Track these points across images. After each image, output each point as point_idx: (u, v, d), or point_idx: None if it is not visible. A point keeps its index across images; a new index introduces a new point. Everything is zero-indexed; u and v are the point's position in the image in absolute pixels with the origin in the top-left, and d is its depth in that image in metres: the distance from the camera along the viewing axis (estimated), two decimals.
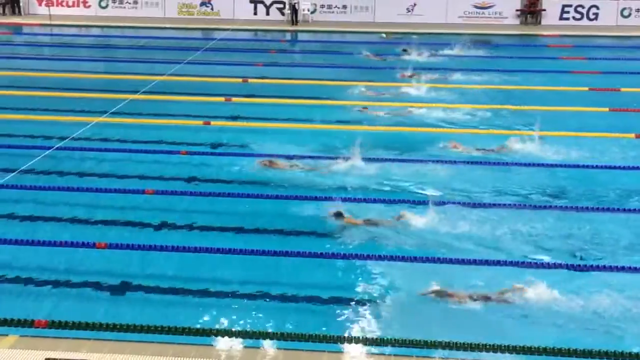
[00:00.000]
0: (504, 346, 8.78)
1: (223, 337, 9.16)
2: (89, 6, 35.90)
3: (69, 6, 35.96)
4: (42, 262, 11.42)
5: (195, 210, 13.48)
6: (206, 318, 9.83)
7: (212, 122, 18.86)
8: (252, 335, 9.17)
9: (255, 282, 10.84)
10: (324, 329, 9.38)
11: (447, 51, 28.61)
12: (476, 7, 35.85)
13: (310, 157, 15.78)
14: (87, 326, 9.31)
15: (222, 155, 16.47)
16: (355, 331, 9.44)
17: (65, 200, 13.77)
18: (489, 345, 8.75)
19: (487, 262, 11.22)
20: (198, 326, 9.45)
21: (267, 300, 10.39)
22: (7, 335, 9.05)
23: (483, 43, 31.05)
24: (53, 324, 9.34)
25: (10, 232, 12.27)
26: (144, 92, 17.69)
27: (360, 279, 10.82)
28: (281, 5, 35.56)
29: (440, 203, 13.04)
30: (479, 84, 23.28)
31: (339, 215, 12.51)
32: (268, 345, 8.93)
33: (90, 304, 10.31)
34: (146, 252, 11.70)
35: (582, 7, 35.57)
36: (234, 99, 21.18)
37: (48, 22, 33.78)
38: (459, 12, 35.77)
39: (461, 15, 35.77)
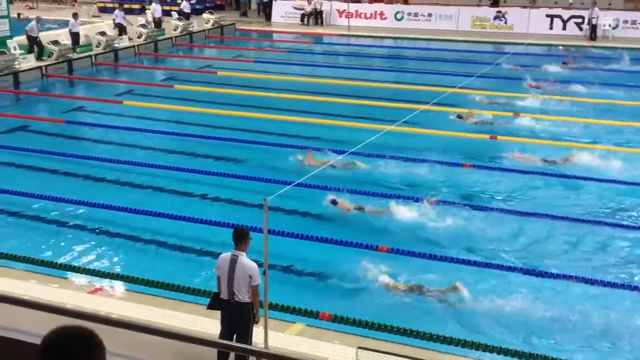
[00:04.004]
0: None
1: (491, 352, 9.04)
2: (385, 18, 37.28)
3: (366, 18, 37.64)
4: (327, 259, 12.10)
5: (476, 225, 13.43)
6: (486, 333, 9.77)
7: (498, 137, 18.63)
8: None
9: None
10: None
11: None
12: None
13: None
14: (366, 325, 9.75)
15: (502, 170, 16.23)
16: None
17: (355, 202, 14.42)
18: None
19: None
20: (473, 339, 9.40)
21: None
22: (294, 322, 9.75)
23: None
24: (335, 318, 9.91)
25: (290, 228, 13.11)
26: (435, 104, 17.93)
27: None
28: (579, 20, 34.01)
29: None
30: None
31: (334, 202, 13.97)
32: None
33: (368, 305, 10.73)
34: (427, 261, 11.92)
35: None
36: (522, 114, 20.72)
37: (346, 32, 35.69)
38: None
39: None
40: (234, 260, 8.11)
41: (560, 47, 31.20)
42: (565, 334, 10.00)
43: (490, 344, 9.37)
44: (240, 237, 8.24)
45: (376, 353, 7.31)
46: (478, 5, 37.76)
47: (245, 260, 8.12)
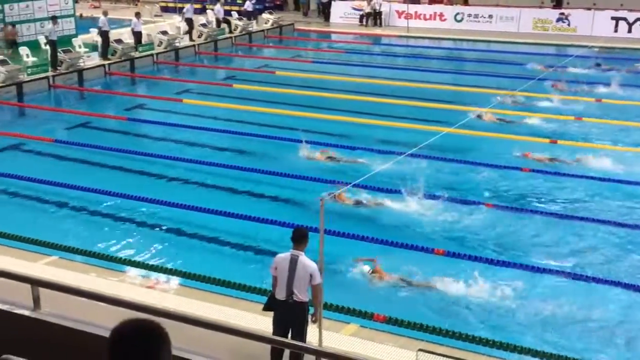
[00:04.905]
0: None
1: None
2: (445, 19, 36.93)
3: (425, 19, 37.35)
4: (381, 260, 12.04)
5: (535, 230, 13.22)
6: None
7: (559, 141, 18.28)
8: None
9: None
10: None
11: None
12: None
13: None
14: (420, 327, 9.69)
15: (565, 175, 15.95)
16: None
17: (411, 207, 14.27)
18: None
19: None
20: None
21: None
22: (349, 323, 9.73)
23: None
24: (390, 320, 9.87)
25: (342, 228, 13.09)
26: (494, 107, 17.69)
27: None
28: None
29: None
30: None
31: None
32: None
33: (422, 308, 10.64)
34: (488, 266, 11.77)
35: None
36: (584, 119, 20.32)
37: (405, 34, 35.49)
38: None
39: None
40: (294, 260, 8.14)
41: (596, 49, 30.36)
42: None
43: (554, 352, 9.22)
44: (301, 237, 8.28)
45: (437, 356, 7.23)
46: (540, 7, 37.09)
47: (306, 260, 8.16)
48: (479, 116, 19.94)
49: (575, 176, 15.82)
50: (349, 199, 14.34)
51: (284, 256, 8.27)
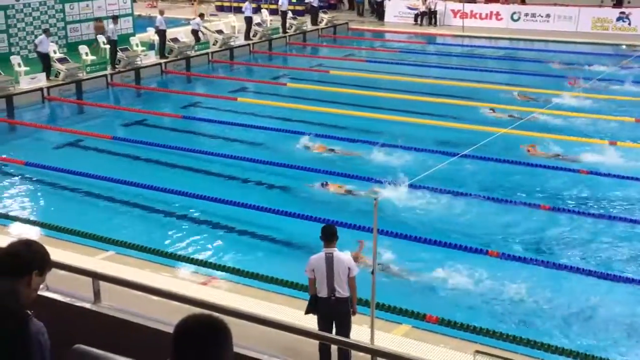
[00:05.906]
0: None
1: None
2: (501, 19, 36.43)
3: (481, 18, 36.90)
4: (433, 261, 11.95)
5: (592, 234, 12.98)
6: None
7: (618, 143, 17.88)
8: None
9: None
10: None
11: None
12: None
13: None
14: (473, 329, 9.59)
15: (624, 178, 15.59)
16: None
17: (463, 209, 14.17)
18: None
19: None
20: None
21: None
22: (401, 323, 9.70)
23: None
24: (442, 322, 9.80)
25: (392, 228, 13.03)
26: (550, 107, 17.38)
27: None
28: None
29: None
30: None
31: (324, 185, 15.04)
32: None
33: (472, 312, 10.52)
34: (535, 267, 11.61)
35: None
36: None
37: (460, 33, 35.14)
38: None
39: None
40: (329, 258, 8.21)
41: (624, 47, 29.48)
42: None
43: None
44: (332, 234, 8.36)
45: (495, 358, 7.15)
46: (600, 6, 36.30)
47: (341, 255, 8.29)
48: (492, 110, 19.73)
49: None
50: (340, 187, 14.61)
51: (318, 257, 8.33)
